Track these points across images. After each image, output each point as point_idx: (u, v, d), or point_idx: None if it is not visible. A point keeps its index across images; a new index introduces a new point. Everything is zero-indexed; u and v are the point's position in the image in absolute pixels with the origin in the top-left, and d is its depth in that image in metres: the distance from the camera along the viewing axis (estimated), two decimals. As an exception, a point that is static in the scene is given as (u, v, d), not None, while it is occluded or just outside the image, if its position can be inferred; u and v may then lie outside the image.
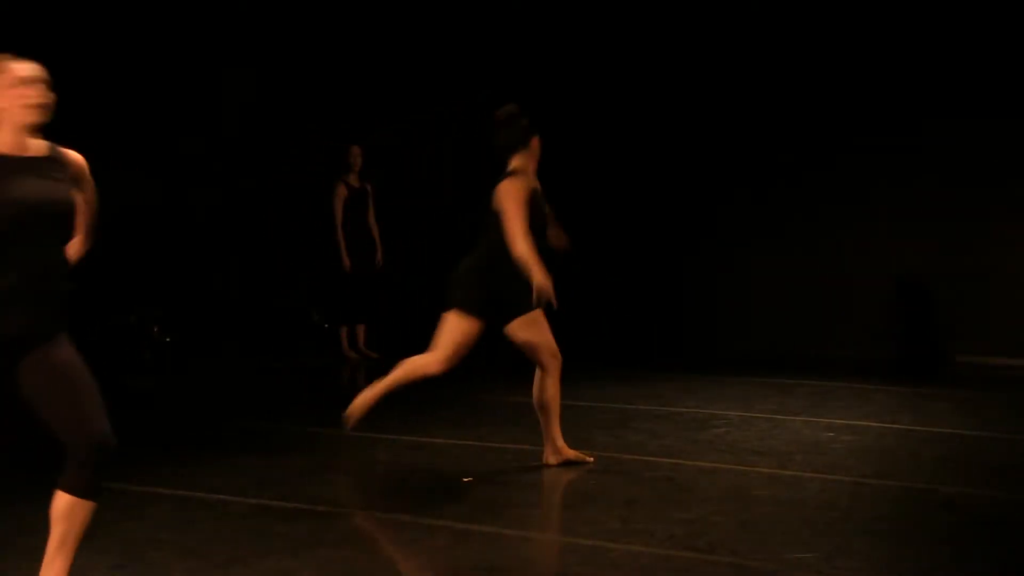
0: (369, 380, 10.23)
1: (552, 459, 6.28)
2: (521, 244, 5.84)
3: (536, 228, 6.04)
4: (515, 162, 6.14)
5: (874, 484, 5.95)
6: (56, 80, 3.81)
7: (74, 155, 3.88)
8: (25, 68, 3.75)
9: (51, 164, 3.79)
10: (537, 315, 6.09)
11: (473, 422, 7.64)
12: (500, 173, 6.14)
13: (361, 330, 11.23)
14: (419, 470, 6.22)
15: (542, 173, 6.29)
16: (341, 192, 10.96)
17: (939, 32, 11.07)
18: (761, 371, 10.28)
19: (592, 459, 6.39)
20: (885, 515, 5.34)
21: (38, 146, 3.81)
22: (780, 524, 5.14)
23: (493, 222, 6.02)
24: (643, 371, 8.97)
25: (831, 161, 11.68)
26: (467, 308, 6.02)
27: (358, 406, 6.13)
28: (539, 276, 5.82)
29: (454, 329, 6.03)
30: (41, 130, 3.79)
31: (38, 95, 3.76)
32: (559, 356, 6.18)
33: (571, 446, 6.40)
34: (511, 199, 5.97)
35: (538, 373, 6.19)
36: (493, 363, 10.48)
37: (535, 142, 6.19)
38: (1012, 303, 11.10)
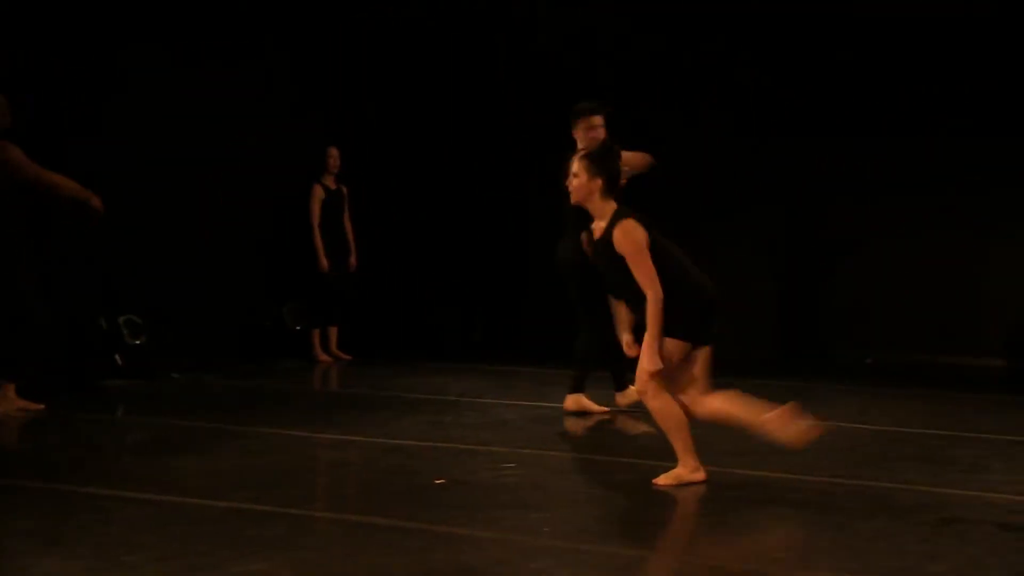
0: (340, 382, 10.37)
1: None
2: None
3: None
4: None
5: (848, 484, 5.98)
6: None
7: None
8: None
9: None
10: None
11: (447, 424, 7.64)
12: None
13: (333, 332, 11.20)
14: (393, 472, 6.20)
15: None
16: (317, 193, 10.95)
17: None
18: (734, 373, 10.29)
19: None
20: (859, 514, 5.36)
21: None
22: (756, 524, 5.15)
23: None
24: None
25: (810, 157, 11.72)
26: None
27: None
28: None
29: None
30: None
31: None
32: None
33: (540, 447, 6.44)
34: None
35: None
36: (469, 365, 10.50)
37: None
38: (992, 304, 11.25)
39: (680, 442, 5.88)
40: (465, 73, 12.35)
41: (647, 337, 5.69)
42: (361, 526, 5.09)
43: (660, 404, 5.83)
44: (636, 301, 5.82)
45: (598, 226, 5.92)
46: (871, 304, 11.61)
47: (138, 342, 9.50)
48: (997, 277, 11.27)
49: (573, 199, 5.93)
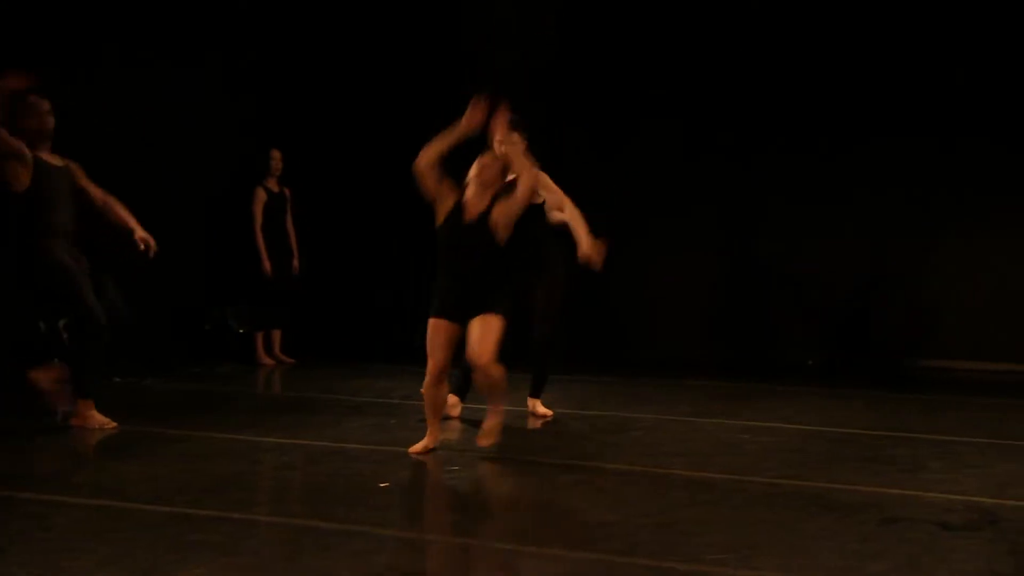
0: (284, 386, 10.31)
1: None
2: None
3: None
4: None
5: (789, 484, 6.03)
6: None
7: None
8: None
9: None
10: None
11: (391, 427, 7.63)
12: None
13: (277, 335, 11.15)
14: (336, 475, 6.18)
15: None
16: (260, 196, 10.88)
17: (890, 41, 11.29)
18: (678, 374, 10.38)
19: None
20: (800, 515, 5.41)
21: None
22: (698, 525, 5.19)
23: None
24: (560, 375, 9.01)
25: (748, 165, 11.82)
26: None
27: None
28: None
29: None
30: None
31: None
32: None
33: (483, 450, 6.46)
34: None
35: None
36: (415, 368, 10.49)
37: None
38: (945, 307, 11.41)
39: (502, 402, 6.73)
40: (424, 78, 12.32)
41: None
42: (304, 529, 5.07)
43: (500, 370, 6.57)
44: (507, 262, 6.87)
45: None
46: (816, 306, 11.73)
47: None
48: (934, 280, 11.44)
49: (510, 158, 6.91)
